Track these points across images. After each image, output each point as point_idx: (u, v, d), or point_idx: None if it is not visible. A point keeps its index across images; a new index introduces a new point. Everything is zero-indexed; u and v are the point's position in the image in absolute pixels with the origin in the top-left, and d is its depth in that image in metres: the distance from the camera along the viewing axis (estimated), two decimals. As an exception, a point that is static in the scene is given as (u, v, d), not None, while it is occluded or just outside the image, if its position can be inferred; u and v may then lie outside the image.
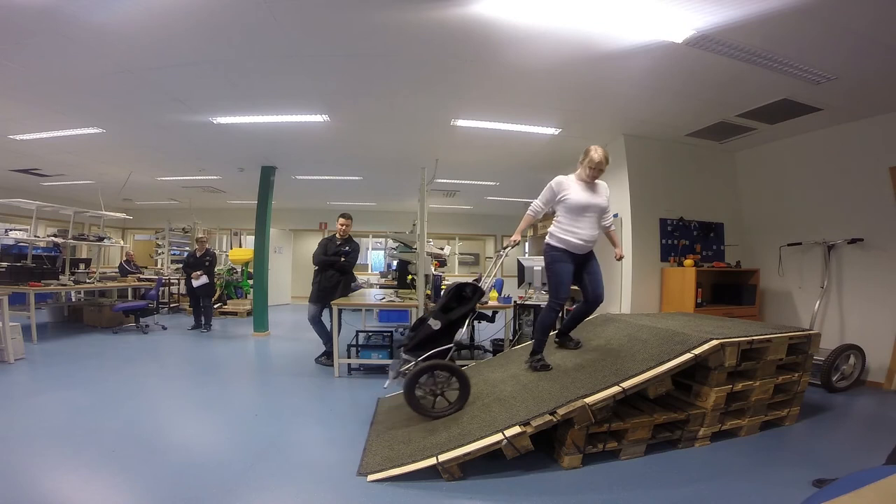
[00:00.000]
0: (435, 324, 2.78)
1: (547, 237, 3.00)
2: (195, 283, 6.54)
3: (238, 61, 3.45)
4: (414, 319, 4.20)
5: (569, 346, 3.21)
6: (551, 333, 3.21)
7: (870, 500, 0.88)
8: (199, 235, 7.43)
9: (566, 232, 2.87)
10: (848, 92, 3.59)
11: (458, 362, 4.13)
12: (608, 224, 3.06)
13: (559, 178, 2.91)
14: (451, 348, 2.81)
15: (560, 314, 3.12)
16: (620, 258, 3.19)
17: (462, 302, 2.89)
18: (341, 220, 4.72)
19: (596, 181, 2.92)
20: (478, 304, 4.24)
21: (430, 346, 2.77)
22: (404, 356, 2.82)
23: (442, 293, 3.05)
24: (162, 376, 4.11)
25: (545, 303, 4.35)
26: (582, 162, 2.88)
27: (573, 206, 2.84)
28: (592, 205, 2.87)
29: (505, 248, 3.09)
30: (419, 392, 2.70)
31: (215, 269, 7.26)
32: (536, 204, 2.98)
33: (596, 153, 2.81)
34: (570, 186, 2.87)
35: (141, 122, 4.88)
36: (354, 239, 4.85)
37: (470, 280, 3.03)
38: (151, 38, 3.10)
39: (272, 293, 7.07)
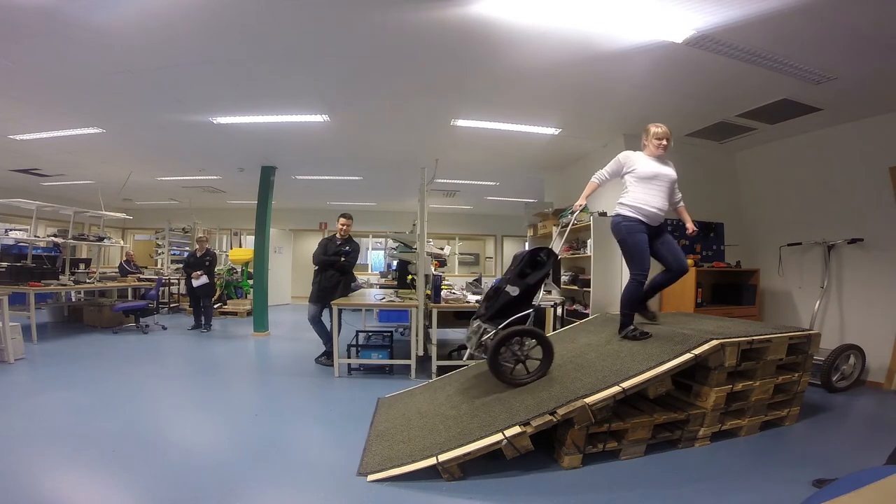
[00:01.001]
0: (513, 290, 2.78)
1: (616, 210, 3.06)
2: (195, 283, 6.54)
3: (238, 61, 3.45)
4: (414, 319, 4.22)
5: (646, 317, 3.24)
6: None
7: (870, 500, 0.88)
8: (200, 235, 7.44)
9: (638, 201, 2.95)
10: (848, 92, 3.59)
11: (460, 362, 4.15)
12: (678, 200, 3.12)
13: (627, 152, 3.03)
14: (530, 314, 2.82)
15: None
16: (693, 233, 3.21)
17: (537, 267, 2.89)
18: (342, 220, 4.72)
19: (665, 158, 3.01)
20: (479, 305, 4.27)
21: (510, 312, 2.78)
22: (484, 325, 2.82)
23: (512, 260, 3.07)
24: (162, 376, 4.11)
25: (545, 303, 4.38)
26: (646, 141, 3.01)
27: (643, 175, 2.94)
28: (661, 174, 2.96)
29: (573, 214, 3.15)
30: (501, 360, 2.71)
31: (215, 269, 7.26)
32: (602, 173, 3.09)
33: (657, 127, 2.95)
34: (638, 159, 2.98)
35: (141, 122, 4.88)
36: (354, 239, 4.85)
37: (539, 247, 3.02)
38: (151, 39, 3.10)
39: (272, 293, 7.07)
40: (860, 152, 4.19)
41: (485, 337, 2.77)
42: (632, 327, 3.00)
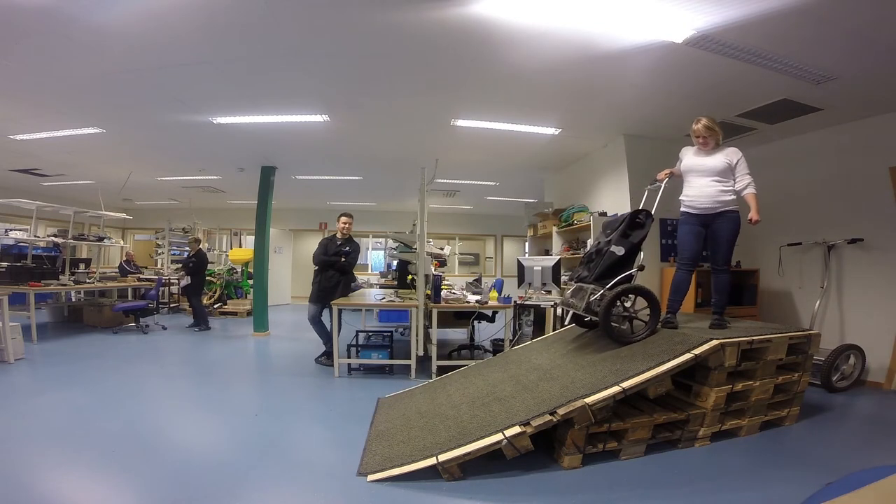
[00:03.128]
0: (619, 250, 2.84)
1: None
2: (181, 283, 6.63)
3: (238, 61, 3.45)
4: (414, 319, 4.22)
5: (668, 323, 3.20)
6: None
7: (870, 500, 0.88)
8: (193, 237, 7.46)
9: (683, 193, 3.15)
10: (848, 92, 3.59)
11: (460, 362, 4.15)
12: (740, 188, 3.08)
13: (684, 148, 3.23)
14: (633, 273, 2.88)
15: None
16: (754, 222, 3.18)
17: (636, 227, 2.96)
18: (343, 220, 4.72)
19: (721, 147, 3.11)
20: (480, 305, 4.28)
21: (616, 272, 2.83)
22: (591, 286, 2.86)
23: (605, 227, 3.19)
24: (162, 376, 4.11)
25: (545, 303, 4.39)
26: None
27: (683, 170, 3.18)
28: (696, 166, 3.08)
29: (660, 180, 3.24)
30: (613, 319, 2.76)
31: (205, 271, 7.25)
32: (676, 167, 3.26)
33: (696, 124, 3.06)
34: (686, 153, 3.19)
35: (141, 122, 4.88)
36: (355, 239, 4.85)
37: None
38: (152, 38, 3.09)
39: (272, 293, 7.07)
40: (860, 152, 4.19)
41: (594, 297, 2.81)
42: (668, 316, 3.06)
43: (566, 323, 3.08)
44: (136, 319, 6.32)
